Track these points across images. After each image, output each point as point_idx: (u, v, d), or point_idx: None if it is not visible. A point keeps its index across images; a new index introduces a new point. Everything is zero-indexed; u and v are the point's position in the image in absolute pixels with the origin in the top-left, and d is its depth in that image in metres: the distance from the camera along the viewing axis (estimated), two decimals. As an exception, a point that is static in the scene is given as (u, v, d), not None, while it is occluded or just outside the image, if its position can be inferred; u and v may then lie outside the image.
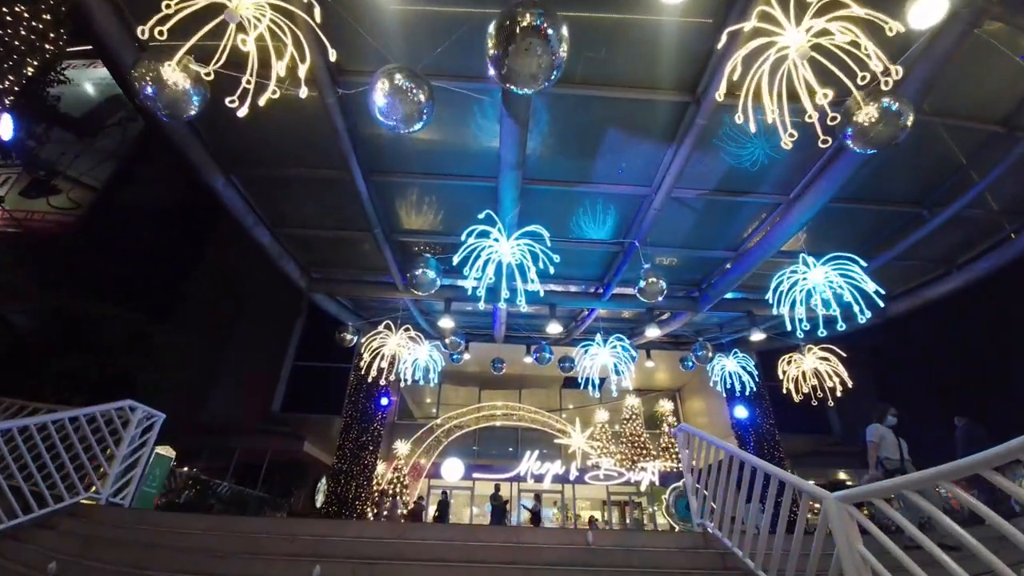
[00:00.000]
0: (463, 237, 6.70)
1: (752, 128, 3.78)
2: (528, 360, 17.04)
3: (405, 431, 21.67)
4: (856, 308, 7.22)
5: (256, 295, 18.61)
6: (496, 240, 6.85)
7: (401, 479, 19.13)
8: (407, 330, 10.49)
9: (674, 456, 21.29)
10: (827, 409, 17.43)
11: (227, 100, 3.31)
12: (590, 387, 10.42)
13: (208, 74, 3.48)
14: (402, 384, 13.20)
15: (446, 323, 10.96)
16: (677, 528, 19.13)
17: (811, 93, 3.43)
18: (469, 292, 7.17)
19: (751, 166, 7.71)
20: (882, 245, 9.28)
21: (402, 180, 8.18)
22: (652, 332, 10.87)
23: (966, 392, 18.09)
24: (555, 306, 10.99)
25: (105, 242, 18.60)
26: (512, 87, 3.60)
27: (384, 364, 10.70)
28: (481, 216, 6.75)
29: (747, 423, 16.06)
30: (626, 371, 10.16)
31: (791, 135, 3.73)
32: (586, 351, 10.58)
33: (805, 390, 10.92)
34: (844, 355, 10.41)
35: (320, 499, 18.42)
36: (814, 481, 5.08)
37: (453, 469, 20.62)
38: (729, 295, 10.92)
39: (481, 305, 7.11)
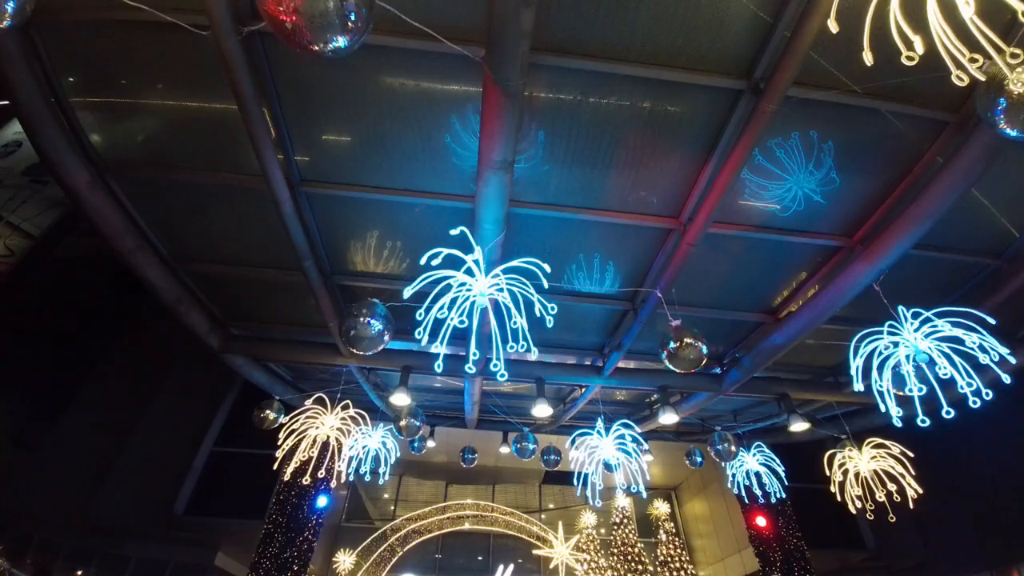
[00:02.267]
0: (422, 260, 4.30)
1: None
2: (505, 450, 13.96)
3: (353, 537, 17.54)
4: (971, 383, 4.87)
5: (184, 365, 15.38)
6: (467, 273, 4.48)
7: (340, 604, 14.87)
8: (346, 407, 7.67)
9: (675, 572, 17.51)
10: (859, 519, 14.49)
11: None
12: (588, 492, 7.56)
13: None
14: (344, 478, 10.12)
15: (400, 399, 8.17)
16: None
17: None
18: (438, 360, 4.64)
19: (811, 191, 5.76)
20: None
21: (346, 195, 5.90)
22: (668, 418, 8.26)
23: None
24: (543, 381, 8.40)
25: (31, 298, 15.80)
26: None
27: (312, 453, 7.74)
28: (454, 233, 4.45)
29: (769, 535, 12.94)
30: (637, 471, 7.39)
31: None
32: (583, 442, 7.84)
33: (857, 494, 8.27)
34: (911, 454, 7.95)
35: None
36: None
37: (407, 590, 16.38)
38: (758, 373, 8.55)
39: (438, 371, 4.54)
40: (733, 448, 9.66)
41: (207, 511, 12.90)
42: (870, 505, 8.18)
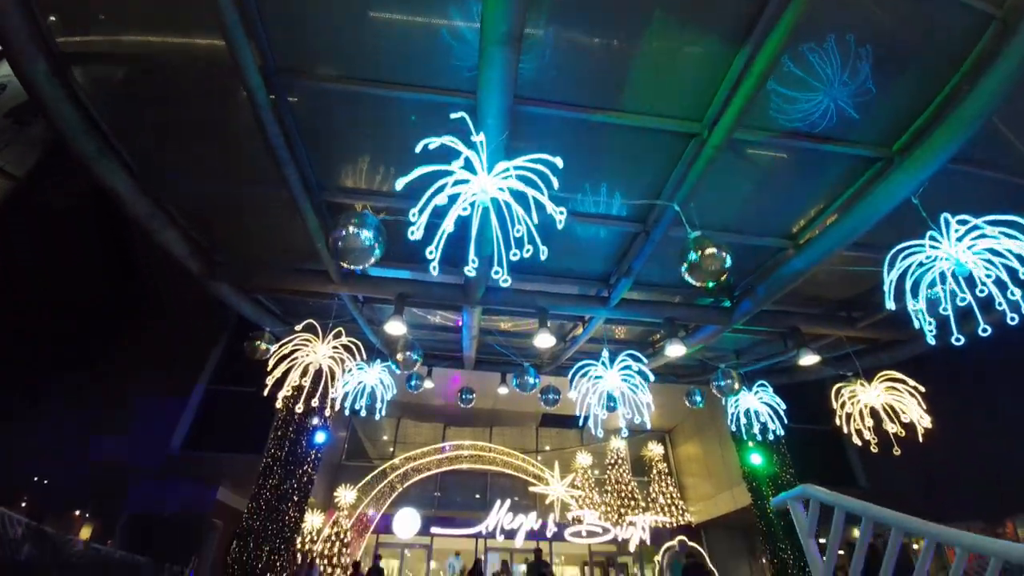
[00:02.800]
0: (417, 148, 3.71)
1: None
2: (503, 391, 13.81)
3: (353, 474, 17.78)
4: (1013, 297, 4.45)
5: (180, 302, 14.92)
6: (466, 168, 3.90)
7: (341, 535, 15.18)
8: (338, 335, 7.27)
9: (666, 508, 17.99)
10: (852, 459, 14.69)
11: None
12: (591, 424, 7.30)
13: None
14: (339, 408, 9.95)
15: (395, 328, 7.73)
16: (673, 599, 15.67)
17: None
18: (433, 263, 4.10)
19: (845, 103, 5.14)
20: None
21: (333, 88, 5.20)
22: (675, 350, 7.90)
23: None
24: (546, 312, 7.98)
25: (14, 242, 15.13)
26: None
27: (305, 382, 7.41)
28: (455, 116, 3.85)
29: (763, 473, 13.07)
30: (643, 404, 7.10)
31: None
32: (586, 374, 7.51)
33: (859, 427, 8.10)
34: (922, 389, 7.70)
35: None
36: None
37: (406, 523, 16.73)
38: (768, 306, 8.15)
39: (433, 273, 4.03)
40: (736, 385, 9.44)
41: (206, 447, 12.82)
42: (874, 439, 8.04)
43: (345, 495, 16.10)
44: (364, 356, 7.72)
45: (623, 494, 18.12)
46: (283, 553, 10.59)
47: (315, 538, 15.21)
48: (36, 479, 13.38)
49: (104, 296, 16.62)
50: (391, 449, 19.65)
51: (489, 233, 4.01)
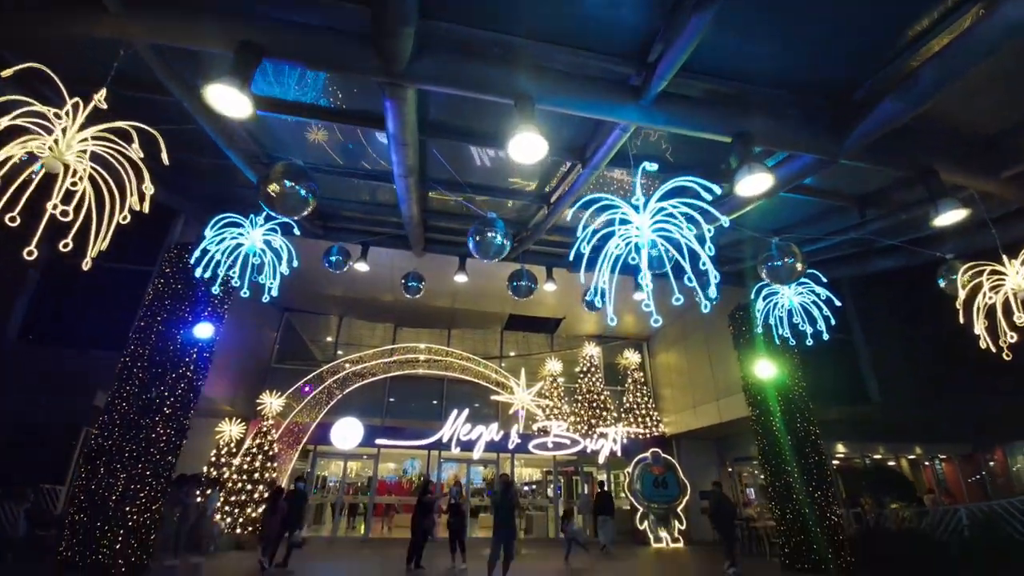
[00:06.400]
0: None
1: None
2: (461, 280, 10.40)
3: (284, 378, 14.60)
4: None
5: None
6: None
7: (265, 448, 12.25)
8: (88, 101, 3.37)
9: (640, 420, 15.94)
10: (862, 367, 12.44)
11: None
12: (605, 305, 3.98)
13: None
14: (230, 288, 6.27)
15: (227, 100, 3.80)
16: (640, 509, 13.99)
17: None
18: None
19: None
20: None
21: None
22: (755, 182, 4.40)
23: None
24: (531, 103, 4.25)
25: None
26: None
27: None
28: None
29: (770, 385, 10.56)
30: (710, 269, 3.75)
31: None
32: (611, 214, 3.98)
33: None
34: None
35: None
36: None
37: (346, 433, 13.95)
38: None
39: None
40: (799, 266, 6.26)
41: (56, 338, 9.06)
42: (1010, 338, 5.14)
43: (271, 403, 12.97)
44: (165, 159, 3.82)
45: (595, 404, 15.86)
46: (147, 482, 7.39)
47: (234, 451, 12.24)
48: None
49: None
50: (338, 352, 16.44)
51: None
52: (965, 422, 14.01)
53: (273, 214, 5.11)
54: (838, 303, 7.18)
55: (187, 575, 7.40)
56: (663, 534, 13.54)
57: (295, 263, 6.50)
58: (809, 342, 7.53)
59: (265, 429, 12.52)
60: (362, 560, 9.98)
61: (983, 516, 8.45)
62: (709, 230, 4.12)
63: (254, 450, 12.13)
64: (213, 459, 12.00)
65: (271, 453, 12.31)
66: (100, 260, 3.84)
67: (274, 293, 6.36)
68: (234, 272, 6.15)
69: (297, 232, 6.10)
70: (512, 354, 17.77)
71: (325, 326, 17.25)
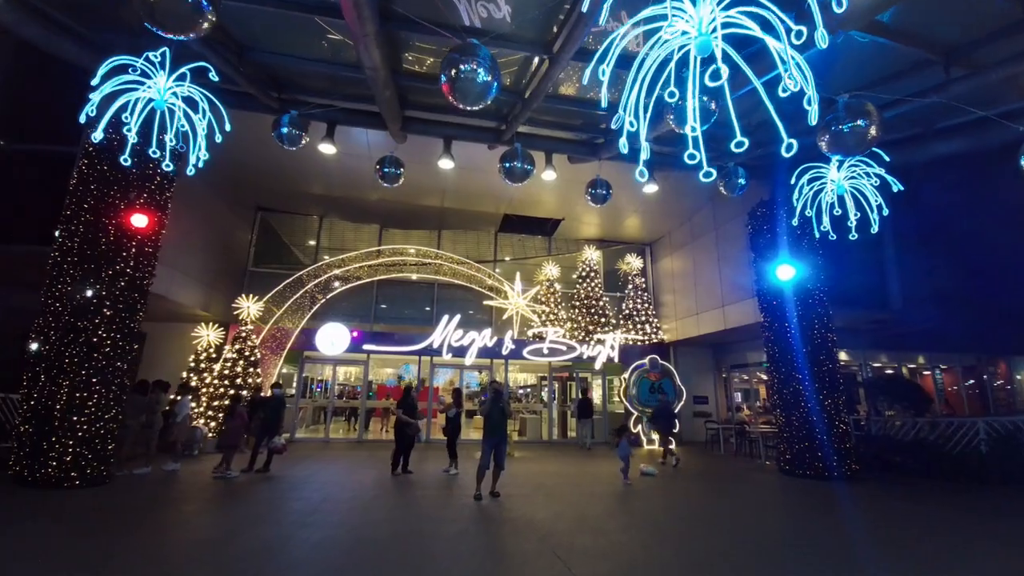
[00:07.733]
0: None
1: None
2: (446, 165, 8.84)
3: (263, 282, 13.53)
4: None
5: None
6: None
7: (246, 353, 11.50)
8: None
9: (639, 326, 15.28)
10: (886, 273, 11.39)
11: None
12: (638, 132, 2.68)
13: None
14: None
15: None
16: (635, 414, 13.83)
17: None
18: None
19: None
20: None
21: None
22: None
23: None
24: None
25: None
26: None
27: None
28: None
29: (786, 291, 9.54)
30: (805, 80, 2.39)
31: None
32: (668, 40, 2.48)
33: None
34: None
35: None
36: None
37: (331, 338, 13.20)
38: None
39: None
40: (873, 130, 4.82)
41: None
42: None
43: (248, 307, 12.00)
44: None
45: (593, 310, 15.06)
46: (97, 389, 6.52)
47: (214, 357, 11.50)
48: None
49: None
50: (324, 257, 15.18)
51: None
52: (973, 333, 13.38)
53: (161, 33, 3.50)
54: (898, 187, 5.88)
55: (156, 484, 6.84)
56: (656, 436, 13.46)
57: (227, 126, 4.99)
58: (853, 236, 6.36)
59: (244, 334, 11.68)
60: (350, 461, 9.64)
61: (1005, 431, 7.87)
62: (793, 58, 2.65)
63: (234, 355, 11.39)
64: (192, 365, 11.29)
65: (252, 359, 11.60)
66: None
67: (199, 164, 4.92)
68: (171, 143, 4.65)
69: (215, 77, 4.49)
70: (507, 259, 16.63)
71: (305, 227, 15.82)
